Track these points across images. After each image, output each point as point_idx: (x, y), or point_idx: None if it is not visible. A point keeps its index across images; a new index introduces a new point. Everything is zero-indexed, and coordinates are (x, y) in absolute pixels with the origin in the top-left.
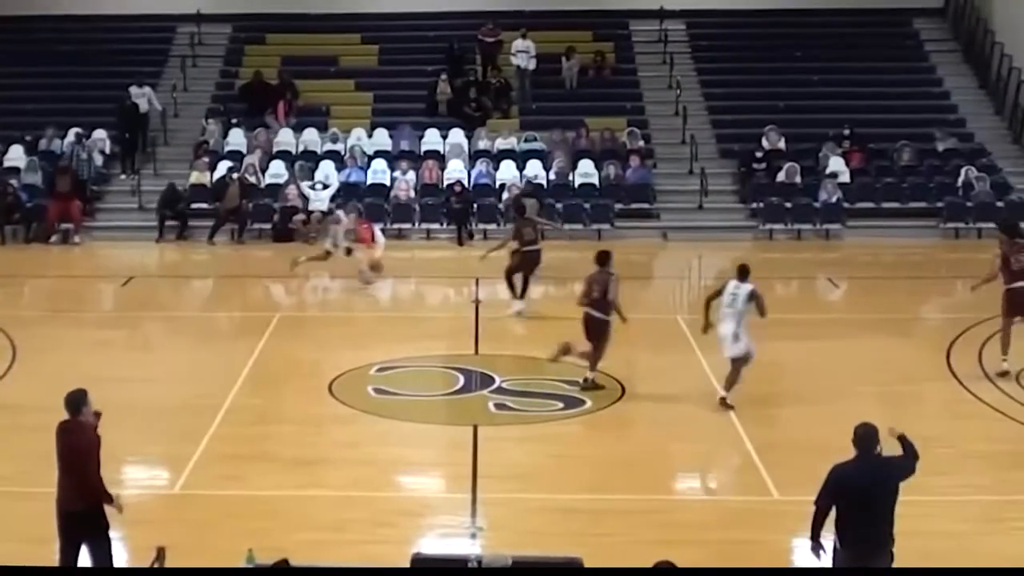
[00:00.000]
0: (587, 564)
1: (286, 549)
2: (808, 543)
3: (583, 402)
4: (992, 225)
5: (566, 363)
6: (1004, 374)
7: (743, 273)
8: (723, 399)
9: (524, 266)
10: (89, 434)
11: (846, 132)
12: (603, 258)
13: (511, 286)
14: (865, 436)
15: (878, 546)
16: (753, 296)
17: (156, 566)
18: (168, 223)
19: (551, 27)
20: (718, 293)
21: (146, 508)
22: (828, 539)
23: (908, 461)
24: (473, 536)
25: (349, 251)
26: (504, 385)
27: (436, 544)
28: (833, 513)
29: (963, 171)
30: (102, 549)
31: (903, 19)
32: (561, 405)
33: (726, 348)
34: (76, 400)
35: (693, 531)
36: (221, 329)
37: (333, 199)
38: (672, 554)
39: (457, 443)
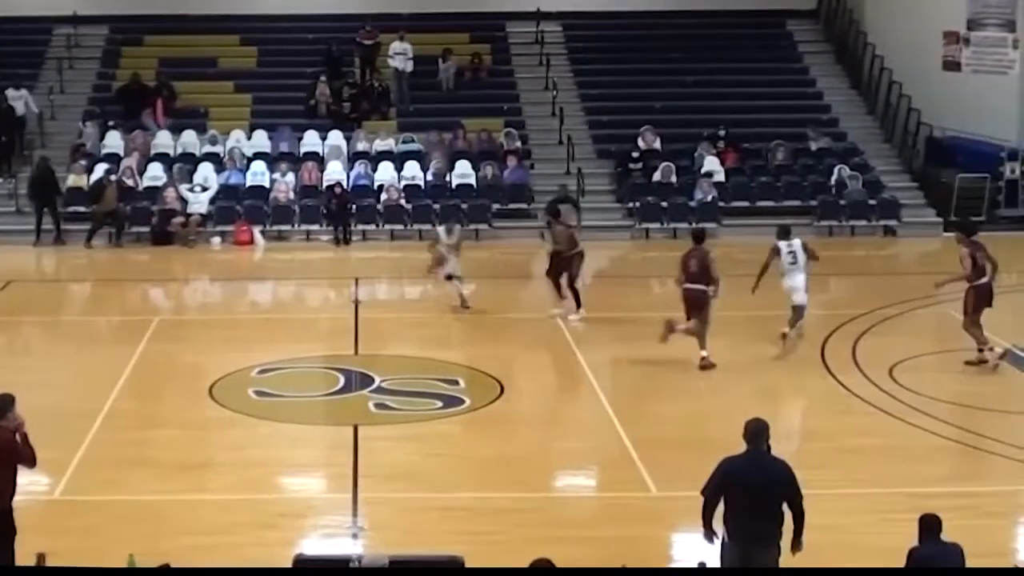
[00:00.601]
0: (468, 563)
1: (169, 553)
2: (694, 537)
3: (462, 401)
4: (864, 223)
5: (443, 362)
6: (1002, 354)
7: (786, 232)
8: (784, 334)
9: (562, 268)
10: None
11: (721, 133)
12: (700, 236)
13: (556, 287)
14: (756, 431)
15: (764, 540)
16: (805, 246)
17: None
18: (45, 227)
19: (428, 29)
20: (772, 256)
21: (26, 514)
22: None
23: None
24: (355, 536)
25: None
26: (384, 385)
27: (318, 545)
28: (722, 506)
29: (836, 170)
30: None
31: (777, 21)
32: (440, 404)
33: (798, 296)
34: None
35: (573, 528)
36: (100, 333)
37: (212, 201)
38: (553, 551)
39: (338, 443)
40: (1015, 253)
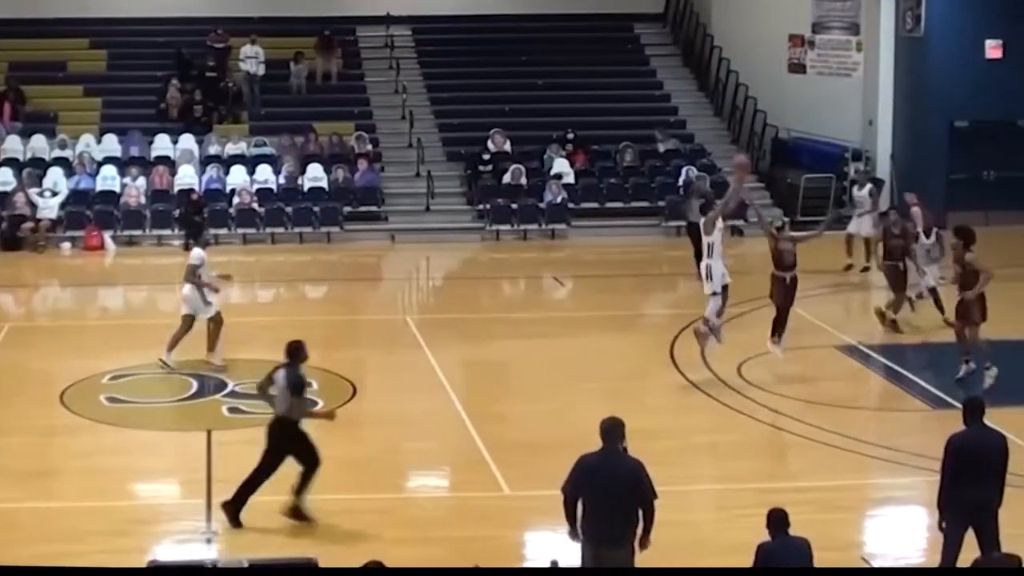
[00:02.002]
0: (322, 564)
1: (21, 561)
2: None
3: (315, 403)
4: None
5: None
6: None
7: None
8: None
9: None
10: None
11: (570, 136)
12: None
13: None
14: (610, 429)
15: (615, 540)
16: None
17: None
18: None
19: (279, 33)
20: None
21: None
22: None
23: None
24: (209, 541)
25: None
26: (237, 389)
27: (172, 551)
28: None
29: (684, 171)
30: None
31: (624, 24)
32: None
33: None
34: None
35: (427, 528)
36: None
37: (62, 206)
38: (407, 552)
39: (191, 449)
40: (858, 251)
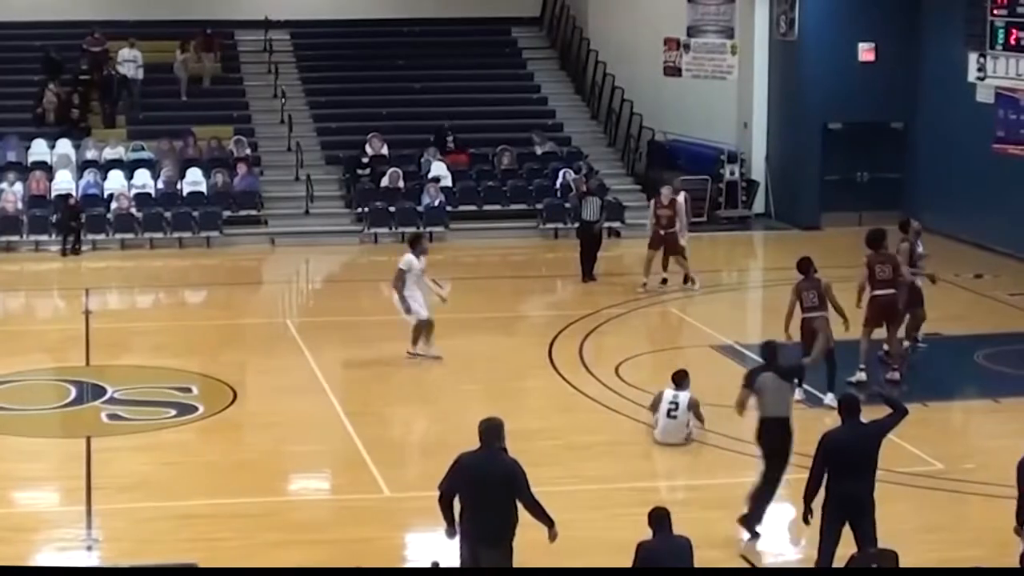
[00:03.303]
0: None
1: None
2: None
3: (196, 408)
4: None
5: (176, 370)
6: (859, 384)
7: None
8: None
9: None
10: None
11: (449, 139)
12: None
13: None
14: (489, 430)
15: (491, 539)
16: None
17: None
18: None
19: (158, 36)
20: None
21: None
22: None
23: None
24: (89, 548)
25: None
26: (116, 395)
27: (52, 558)
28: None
29: (561, 173)
30: None
31: (502, 28)
32: (174, 412)
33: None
34: None
35: (309, 531)
36: None
37: None
38: (290, 555)
39: (70, 456)
40: (735, 252)
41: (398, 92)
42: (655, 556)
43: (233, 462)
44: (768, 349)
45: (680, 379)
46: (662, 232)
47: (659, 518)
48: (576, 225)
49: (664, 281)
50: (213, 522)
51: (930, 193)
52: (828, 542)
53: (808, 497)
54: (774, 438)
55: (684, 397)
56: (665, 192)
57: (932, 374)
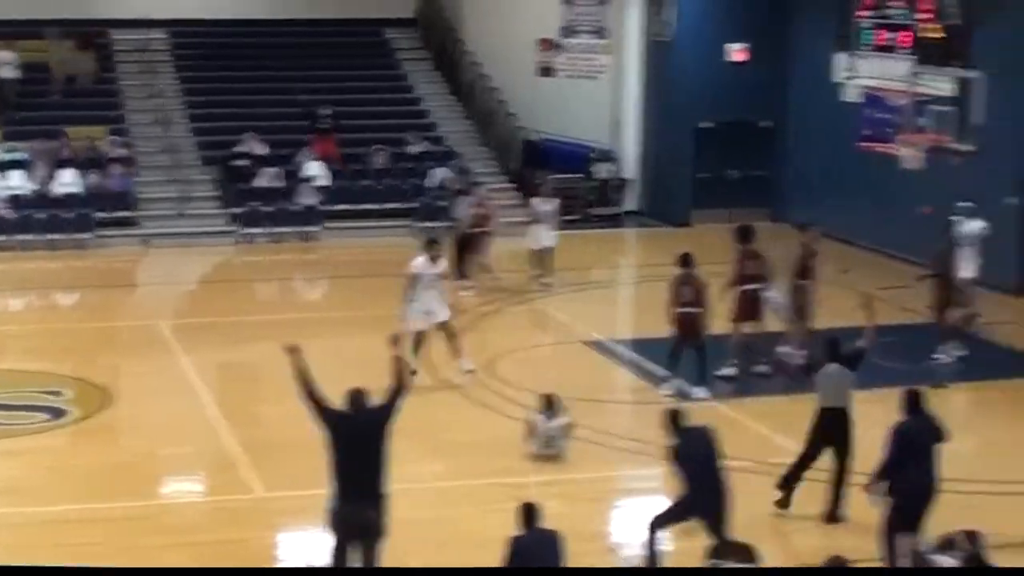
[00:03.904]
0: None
1: None
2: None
3: (68, 412)
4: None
5: (48, 374)
6: (729, 378)
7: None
8: None
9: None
10: None
11: (325, 119)
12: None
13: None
14: (354, 396)
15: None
16: None
17: None
18: None
19: (33, 36)
20: None
21: None
22: None
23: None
24: None
25: None
26: None
27: None
28: None
29: (435, 173)
30: None
31: (377, 29)
32: (46, 416)
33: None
34: None
35: (183, 534)
36: None
37: None
38: (163, 558)
39: None
40: (607, 249)
41: (275, 92)
42: (526, 550)
43: (106, 465)
44: (830, 343)
45: (550, 405)
46: (472, 231)
47: (529, 513)
48: (449, 224)
49: (539, 277)
50: (84, 527)
51: (798, 190)
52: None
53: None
54: (837, 429)
55: (558, 428)
56: (475, 193)
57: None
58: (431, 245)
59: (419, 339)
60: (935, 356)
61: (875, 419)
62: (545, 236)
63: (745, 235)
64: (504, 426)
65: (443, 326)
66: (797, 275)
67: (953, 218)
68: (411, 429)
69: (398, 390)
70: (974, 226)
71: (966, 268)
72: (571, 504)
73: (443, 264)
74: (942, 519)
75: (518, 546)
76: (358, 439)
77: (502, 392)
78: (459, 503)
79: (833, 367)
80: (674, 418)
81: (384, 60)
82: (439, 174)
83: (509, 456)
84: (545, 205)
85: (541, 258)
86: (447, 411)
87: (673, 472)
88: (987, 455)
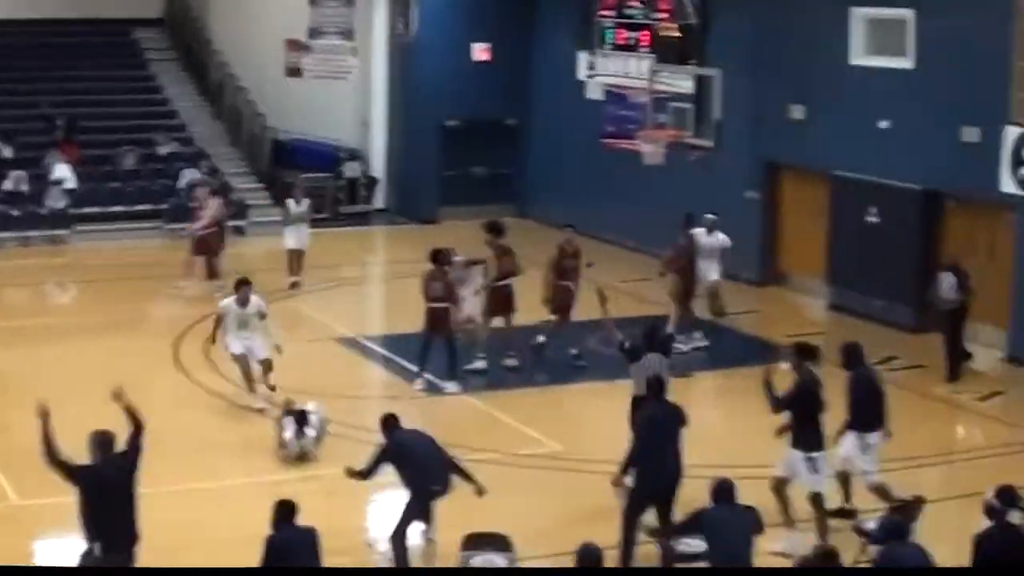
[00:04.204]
0: None
1: None
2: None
3: None
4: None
5: None
6: (479, 372)
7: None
8: None
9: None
10: None
11: (59, 123)
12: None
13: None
14: (100, 442)
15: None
16: None
17: None
18: None
19: None
20: None
21: None
22: None
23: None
24: None
25: None
26: None
27: None
28: None
29: (185, 173)
30: None
31: (123, 29)
32: None
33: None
34: None
35: None
36: None
37: None
38: None
39: None
40: (356, 246)
41: (21, 94)
42: (284, 548)
43: None
44: (648, 332)
45: (300, 418)
46: (202, 233)
47: (284, 511)
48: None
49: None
50: None
51: (543, 187)
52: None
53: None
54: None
55: (310, 441)
56: (200, 193)
57: (549, 359)
58: (240, 286)
59: (244, 365)
60: (676, 345)
61: (615, 411)
62: (296, 238)
63: (498, 230)
64: (259, 425)
65: (263, 362)
66: (557, 276)
67: (695, 231)
68: (167, 431)
69: (137, 432)
70: (715, 240)
71: (709, 272)
72: (328, 500)
73: (256, 304)
74: (688, 505)
75: (273, 545)
76: (109, 489)
77: (258, 391)
78: (212, 503)
79: (652, 356)
80: (386, 423)
81: (132, 60)
82: (188, 175)
83: (265, 454)
84: (298, 206)
85: (295, 258)
86: (202, 412)
87: None
88: (732, 440)
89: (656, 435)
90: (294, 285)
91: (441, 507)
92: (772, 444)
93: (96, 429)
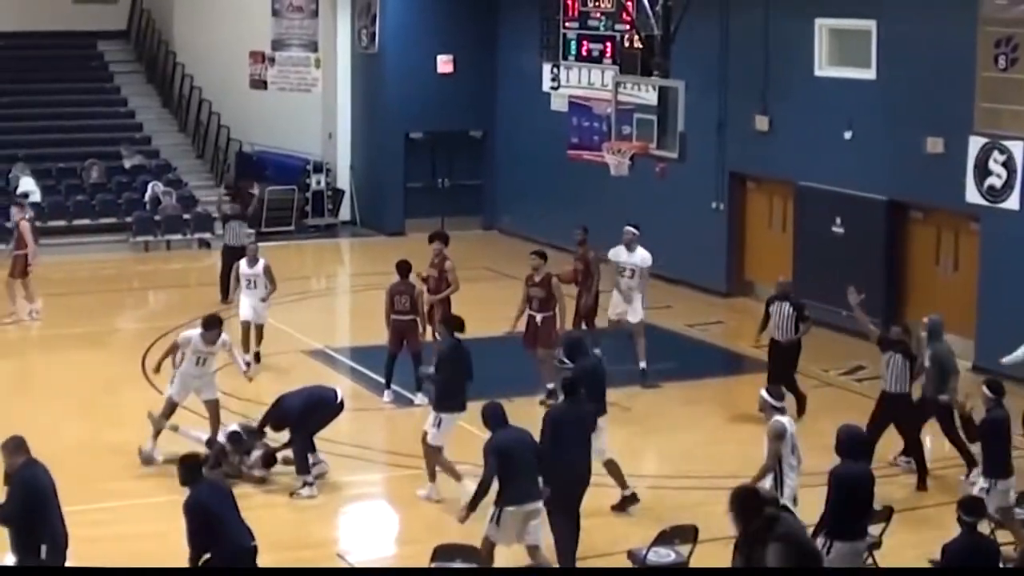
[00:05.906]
0: None
1: None
2: None
3: None
4: (180, 236)
5: None
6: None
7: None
8: None
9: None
10: None
11: None
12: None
13: None
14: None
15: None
16: None
17: None
18: None
19: None
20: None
21: None
22: None
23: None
24: None
25: None
26: None
27: None
28: None
29: (150, 186)
30: None
31: (88, 42)
32: None
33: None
34: None
35: None
36: None
37: None
38: None
39: None
40: (322, 259)
41: None
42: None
43: None
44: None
45: (240, 439)
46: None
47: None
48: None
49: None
50: None
51: (509, 198)
52: None
53: None
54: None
55: (255, 461)
56: (14, 212)
57: (497, 371)
58: (211, 324)
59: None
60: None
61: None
62: (251, 306)
63: (441, 238)
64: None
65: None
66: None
67: (615, 249)
68: (135, 444)
69: None
70: (635, 258)
71: (624, 305)
72: (295, 511)
73: (223, 342)
74: (658, 515)
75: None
76: (49, 490)
77: (225, 404)
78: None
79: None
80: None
81: (97, 73)
82: (153, 188)
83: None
84: (250, 269)
85: (249, 331)
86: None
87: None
88: (698, 451)
89: (561, 435)
90: (257, 357)
91: (412, 519)
92: (739, 454)
93: (10, 436)
